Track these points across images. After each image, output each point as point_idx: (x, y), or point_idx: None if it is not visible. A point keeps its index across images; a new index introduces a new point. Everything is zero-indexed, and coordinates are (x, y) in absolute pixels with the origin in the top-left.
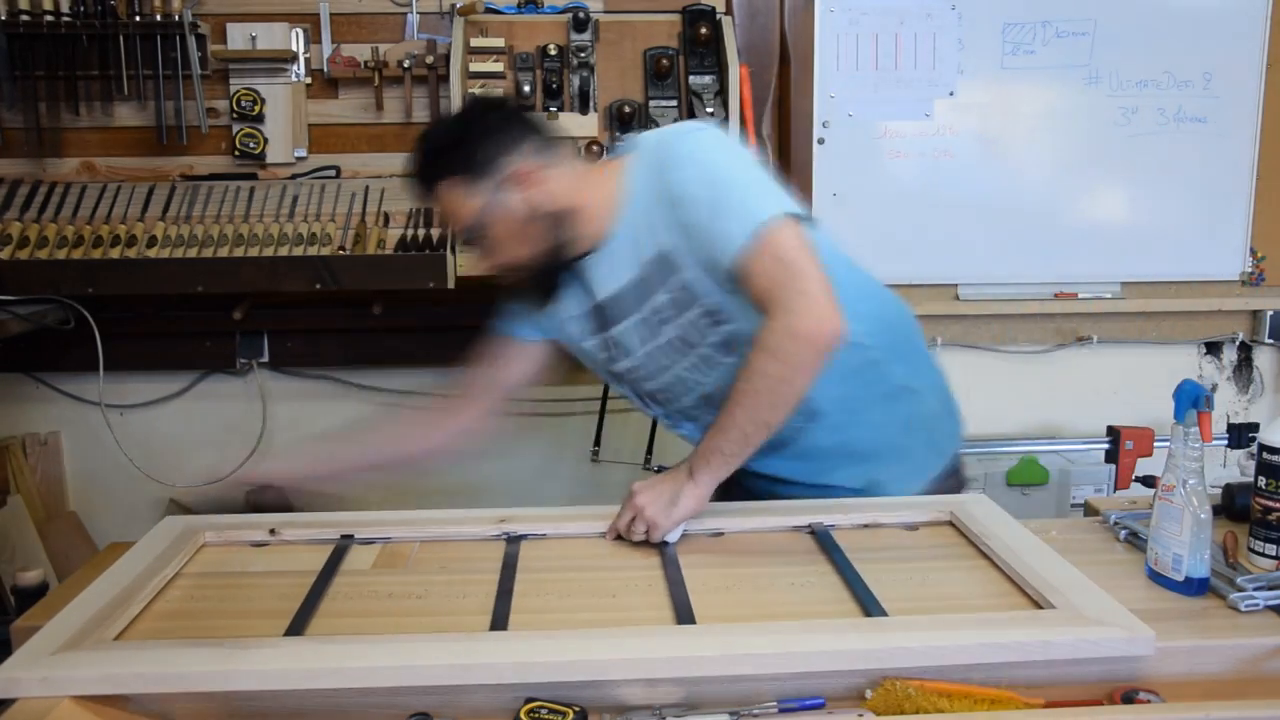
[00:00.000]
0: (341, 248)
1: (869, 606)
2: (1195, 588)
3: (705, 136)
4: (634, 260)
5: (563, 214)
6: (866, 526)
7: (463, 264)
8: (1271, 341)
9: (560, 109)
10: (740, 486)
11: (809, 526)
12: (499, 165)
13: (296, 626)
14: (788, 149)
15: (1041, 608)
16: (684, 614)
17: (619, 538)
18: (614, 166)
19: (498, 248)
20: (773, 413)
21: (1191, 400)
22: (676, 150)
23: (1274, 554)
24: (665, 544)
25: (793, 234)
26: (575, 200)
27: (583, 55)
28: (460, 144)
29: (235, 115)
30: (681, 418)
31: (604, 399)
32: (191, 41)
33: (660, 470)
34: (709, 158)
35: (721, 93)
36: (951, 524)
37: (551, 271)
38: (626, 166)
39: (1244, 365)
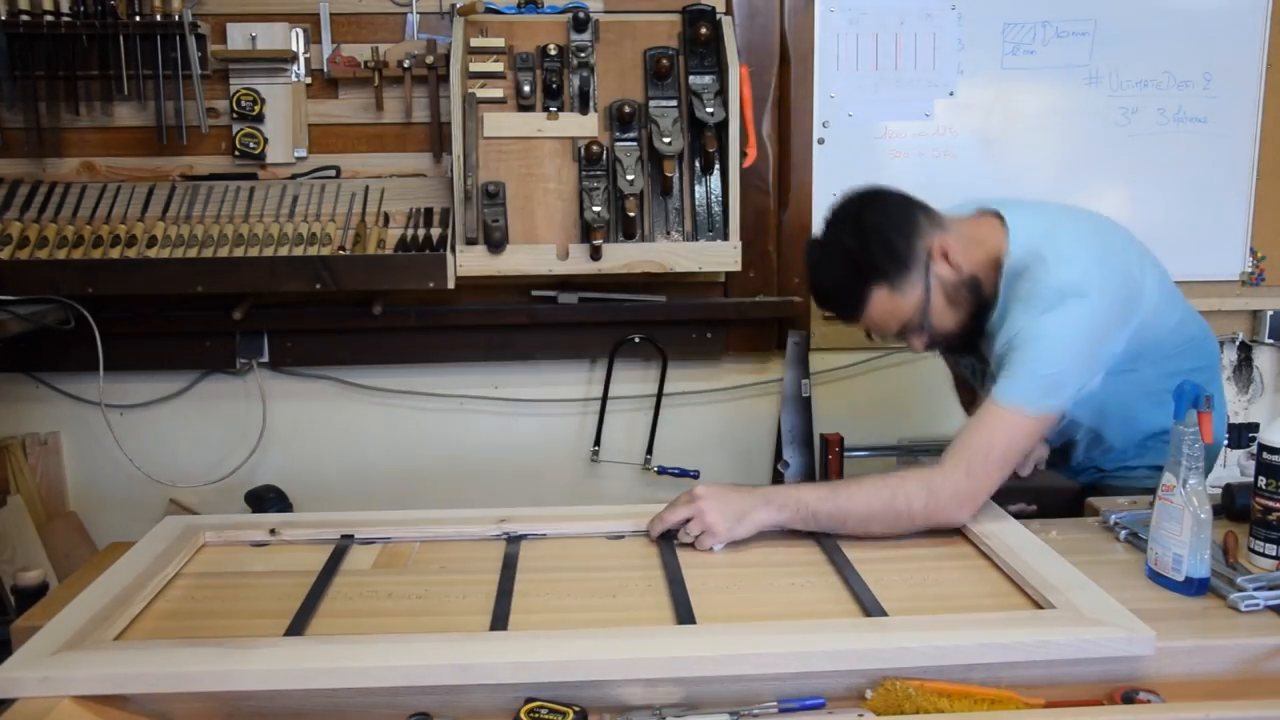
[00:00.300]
0: (341, 248)
1: (869, 606)
2: (1195, 588)
3: (1054, 319)
4: (992, 352)
5: (974, 280)
6: None
7: (463, 264)
8: (1271, 341)
9: (560, 109)
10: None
11: None
12: (916, 251)
13: (296, 626)
14: (788, 149)
15: (1042, 608)
16: (684, 614)
17: (665, 534)
18: (990, 238)
19: (935, 329)
20: (868, 528)
21: (1191, 400)
22: (1033, 304)
23: (1274, 554)
24: (704, 548)
25: (1024, 435)
26: (976, 265)
27: (583, 55)
28: (871, 253)
29: (235, 115)
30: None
31: (604, 399)
32: (191, 41)
33: (663, 472)
34: (1043, 332)
35: (721, 93)
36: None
37: (974, 333)
38: (1004, 255)
39: (1244, 365)
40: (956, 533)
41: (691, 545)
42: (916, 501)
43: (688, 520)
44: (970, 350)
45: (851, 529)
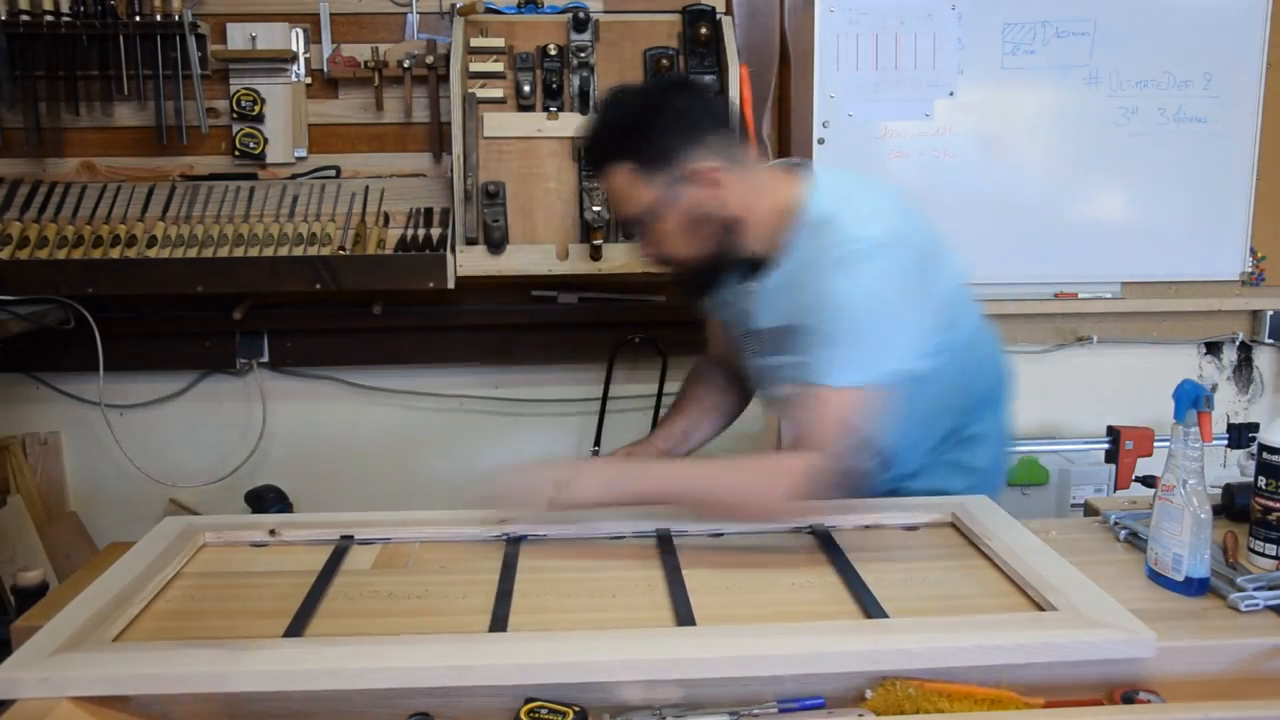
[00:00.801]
0: (341, 248)
1: (870, 608)
2: (1195, 588)
3: (861, 273)
4: (785, 309)
5: (733, 222)
6: (868, 528)
7: (463, 264)
8: (1271, 341)
9: (560, 109)
10: None
11: (809, 527)
12: (679, 158)
13: (296, 627)
14: (788, 149)
15: (1043, 609)
16: (684, 615)
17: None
18: (789, 192)
19: (661, 242)
20: (715, 514)
21: (1191, 400)
22: (834, 265)
23: (1274, 554)
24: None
25: (866, 410)
26: (748, 211)
27: (583, 55)
28: (642, 128)
29: (235, 115)
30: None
31: (604, 399)
32: (191, 41)
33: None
34: (849, 296)
35: (721, 93)
36: (952, 525)
37: (709, 275)
38: (796, 212)
39: (1244, 365)
40: (957, 533)
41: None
42: (775, 499)
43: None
44: (701, 291)
45: (696, 513)
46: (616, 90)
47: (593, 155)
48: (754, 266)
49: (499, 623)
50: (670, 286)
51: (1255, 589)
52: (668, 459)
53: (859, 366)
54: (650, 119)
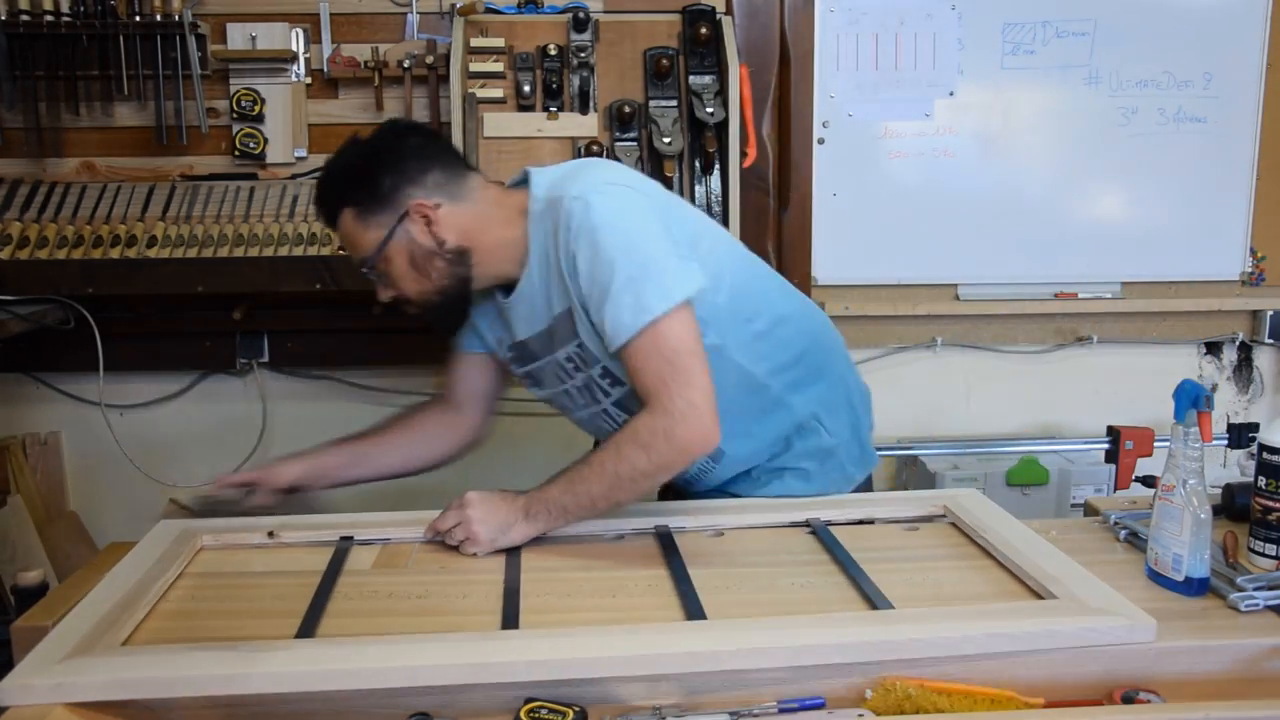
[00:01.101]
0: (341, 248)
1: (875, 600)
2: (1195, 588)
3: (599, 207)
4: (545, 310)
5: (464, 252)
6: (862, 522)
7: None
8: (1271, 341)
9: (560, 109)
10: None
11: (806, 523)
12: (399, 198)
13: (307, 628)
14: (788, 149)
15: (1043, 599)
16: (693, 610)
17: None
18: (516, 204)
19: (395, 282)
20: (627, 496)
21: (1191, 400)
22: (571, 217)
23: (1274, 554)
24: (468, 553)
25: (682, 330)
26: (478, 239)
27: (583, 55)
28: (362, 173)
29: (235, 115)
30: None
31: None
32: (191, 41)
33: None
34: (603, 237)
35: (721, 93)
36: (951, 524)
37: (452, 308)
38: (528, 210)
39: (1244, 365)
40: (954, 530)
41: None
42: (641, 461)
43: (456, 526)
44: (452, 326)
45: (605, 509)
46: (347, 140)
47: (320, 205)
48: (508, 289)
49: (510, 621)
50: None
51: (1255, 589)
52: (547, 486)
53: (646, 302)
54: (368, 164)
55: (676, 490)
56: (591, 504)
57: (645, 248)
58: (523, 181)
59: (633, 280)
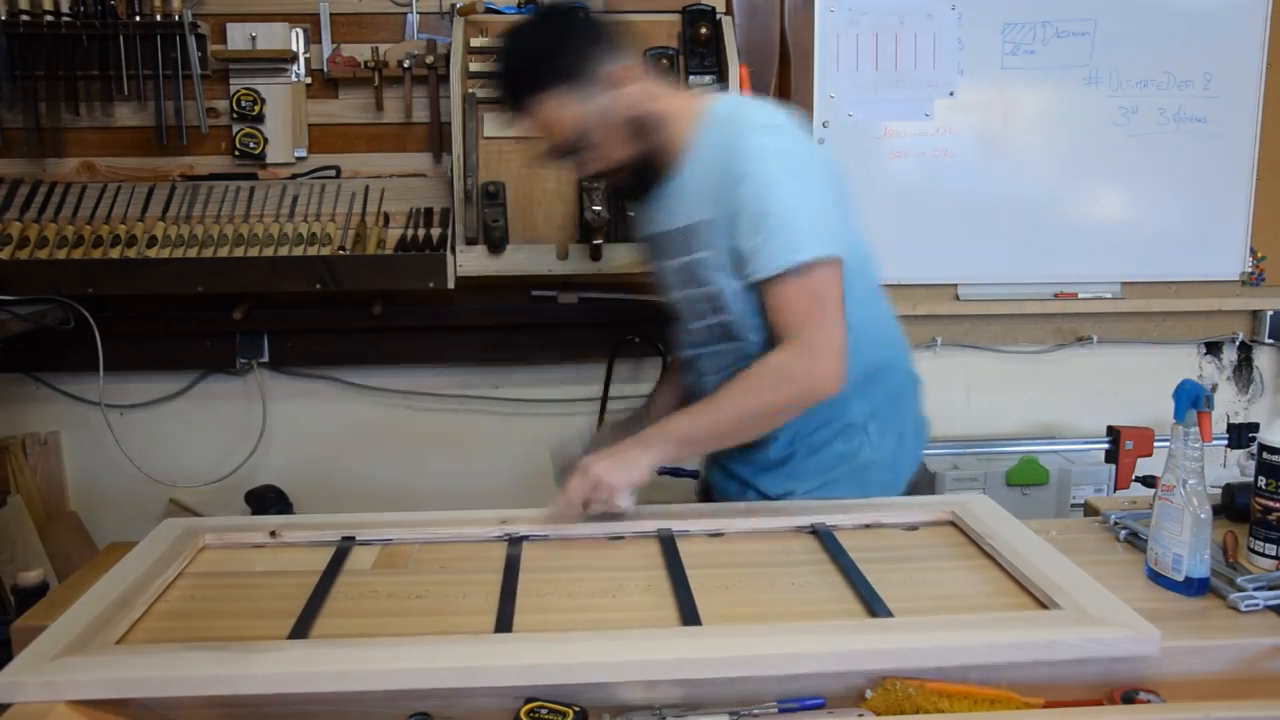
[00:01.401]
0: (341, 248)
1: (874, 607)
2: (1195, 588)
3: (777, 142)
4: (685, 210)
5: (655, 118)
6: (868, 526)
7: (463, 264)
8: (1271, 341)
9: None
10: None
11: (810, 527)
12: (599, 68)
13: (301, 629)
14: None
15: (1047, 608)
16: (689, 615)
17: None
18: (693, 99)
19: (600, 155)
20: (747, 433)
21: (1191, 400)
22: (747, 141)
23: (1274, 554)
24: (622, 515)
25: (833, 280)
26: (663, 107)
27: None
28: (555, 53)
29: (235, 115)
30: (701, 370)
31: (604, 399)
32: (191, 41)
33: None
34: (774, 167)
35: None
36: (954, 524)
37: (644, 175)
38: (705, 111)
39: (1244, 365)
40: (959, 533)
41: (609, 515)
42: (778, 397)
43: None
44: (638, 194)
45: (733, 441)
46: (512, 28)
47: (512, 93)
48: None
49: (504, 624)
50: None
51: (1255, 589)
52: (670, 418)
53: (802, 242)
54: (560, 42)
55: (720, 465)
56: (718, 436)
57: (813, 194)
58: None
59: (794, 218)
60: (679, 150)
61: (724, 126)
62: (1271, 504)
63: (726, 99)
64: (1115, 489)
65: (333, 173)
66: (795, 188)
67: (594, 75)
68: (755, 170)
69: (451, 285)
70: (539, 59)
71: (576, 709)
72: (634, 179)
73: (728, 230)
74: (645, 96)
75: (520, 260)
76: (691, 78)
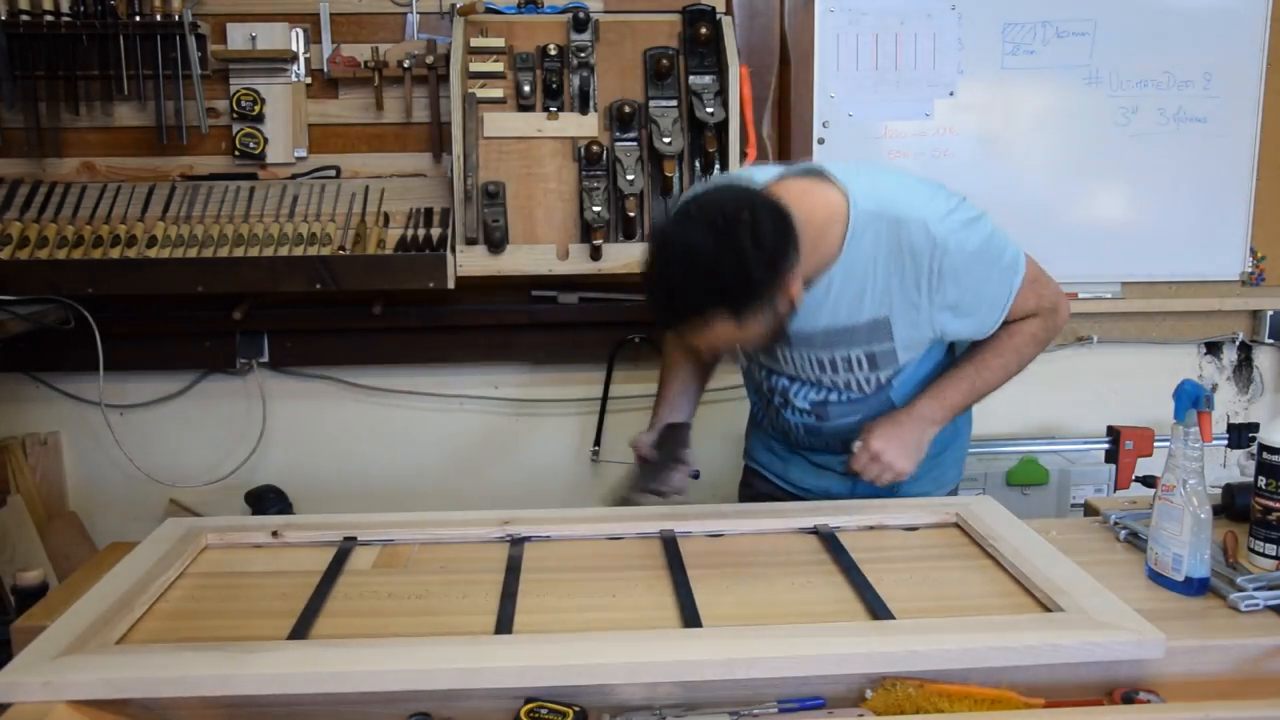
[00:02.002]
0: (341, 248)
1: (876, 609)
2: (1195, 588)
3: (963, 246)
4: (849, 310)
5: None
6: (872, 528)
7: (463, 264)
8: (1271, 341)
9: (560, 109)
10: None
11: (813, 528)
12: (774, 290)
13: (300, 629)
14: (788, 149)
15: (1050, 610)
16: (690, 616)
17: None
18: (831, 207)
19: (751, 347)
20: (1001, 384)
21: (1191, 400)
22: (936, 253)
23: (1274, 554)
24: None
25: (1032, 265)
26: (814, 249)
27: (583, 55)
28: (732, 278)
29: (235, 115)
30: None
31: (604, 399)
32: (191, 41)
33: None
34: (972, 270)
35: (721, 93)
36: (957, 526)
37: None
38: (850, 219)
39: (1244, 365)
40: (962, 534)
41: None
42: (1035, 351)
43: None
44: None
45: (978, 400)
46: (676, 236)
47: (679, 313)
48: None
49: (504, 625)
50: None
51: (1255, 589)
52: (937, 388)
53: (1014, 266)
54: (738, 267)
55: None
56: (973, 394)
57: (993, 243)
58: (812, 172)
59: (1003, 273)
60: (827, 263)
61: (869, 228)
62: (1271, 504)
63: (855, 190)
64: (1115, 489)
65: (333, 173)
66: (986, 269)
67: (767, 299)
68: (953, 283)
69: (451, 285)
70: (710, 285)
71: (576, 709)
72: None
73: (929, 319)
74: (794, 300)
75: (520, 260)
76: (691, 78)
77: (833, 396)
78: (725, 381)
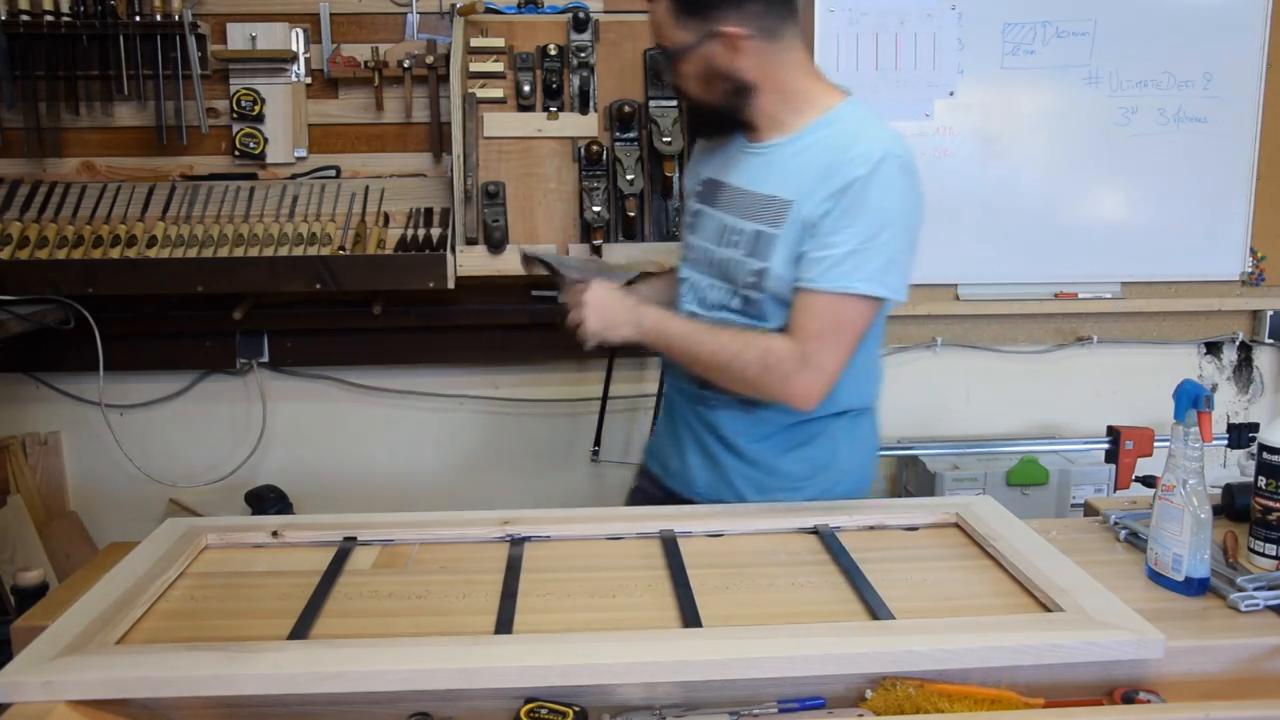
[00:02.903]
0: (341, 248)
1: (875, 609)
2: (1195, 588)
3: (894, 177)
4: (771, 182)
5: (748, 89)
6: (872, 528)
7: (463, 264)
8: (1271, 341)
9: (560, 109)
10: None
11: (813, 527)
12: (715, 15)
13: (300, 629)
14: None
15: (1049, 610)
16: (690, 616)
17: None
18: (820, 93)
19: (680, 79)
20: (714, 378)
21: (1191, 400)
22: (881, 169)
23: (1274, 554)
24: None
25: (863, 315)
26: (768, 85)
27: (583, 55)
28: None
29: (235, 115)
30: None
31: (604, 399)
32: (191, 41)
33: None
34: (877, 196)
35: None
36: (957, 526)
37: (719, 123)
38: (828, 110)
39: (1244, 365)
40: (962, 534)
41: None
42: (751, 370)
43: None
44: (704, 133)
45: (697, 371)
46: None
47: None
48: (755, 129)
49: (504, 625)
50: None
51: (1255, 589)
52: (672, 316)
53: (864, 273)
54: None
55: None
56: (691, 360)
57: (897, 235)
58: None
59: (866, 247)
60: (782, 126)
61: (847, 130)
62: (1271, 504)
63: (852, 104)
64: (1115, 489)
65: (333, 173)
66: (883, 220)
67: (704, 18)
68: (874, 199)
69: (451, 285)
70: None
71: (576, 709)
72: (705, 121)
73: (809, 225)
74: (736, 66)
75: (520, 260)
76: None
77: (709, 302)
78: None
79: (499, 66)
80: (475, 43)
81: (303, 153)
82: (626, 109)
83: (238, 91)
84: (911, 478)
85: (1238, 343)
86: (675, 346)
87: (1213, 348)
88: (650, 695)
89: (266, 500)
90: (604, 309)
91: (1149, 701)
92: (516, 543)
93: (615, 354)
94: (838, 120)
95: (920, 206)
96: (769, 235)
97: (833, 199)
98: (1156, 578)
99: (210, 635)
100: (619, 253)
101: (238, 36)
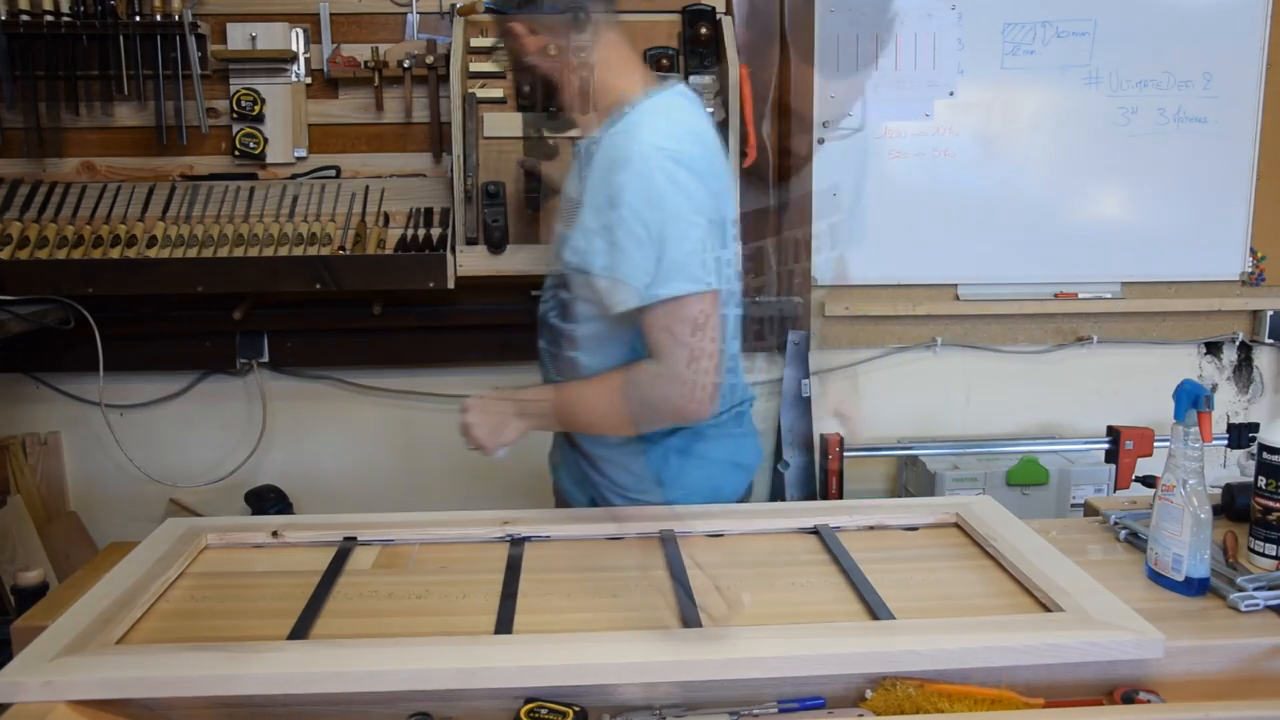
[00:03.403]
0: (341, 248)
1: (875, 609)
2: (1195, 588)
3: (653, 172)
4: (577, 182)
5: (547, 81)
6: (872, 528)
7: (463, 264)
8: (1271, 341)
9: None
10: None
11: (813, 527)
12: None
13: (300, 629)
14: (788, 149)
15: (1049, 610)
16: (689, 616)
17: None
18: (633, 89)
19: (512, 58)
20: (606, 431)
21: (1191, 400)
22: (626, 166)
23: (1274, 554)
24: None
25: (706, 308)
26: (569, 80)
27: (583, 55)
28: None
29: (235, 115)
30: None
31: None
32: (191, 41)
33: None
34: (644, 196)
35: (721, 93)
36: (957, 526)
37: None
38: (630, 104)
39: (1244, 365)
40: (962, 534)
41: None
42: (655, 412)
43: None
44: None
45: (590, 433)
46: None
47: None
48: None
49: (504, 625)
50: None
51: (1255, 589)
52: (547, 391)
53: (677, 276)
54: None
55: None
56: (572, 424)
57: (681, 228)
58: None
59: (662, 252)
60: (591, 124)
61: (627, 127)
62: (1271, 504)
63: (654, 100)
64: (1115, 489)
65: (333, 173)
66: (667, 215)
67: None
68: (627, 196)
69: (451, 285)
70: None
71: (576, 709)
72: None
73: (588, 246)
74: (533, 60)
75: (520, 260)
76: (692, 78)
77: (549, 305)
78: None
79: (499, 66)
80: (475, 43)
81: (303, 153)
82: None
83: (238, 91)
84: (911, 478)
85: (1238, 343)
86: (565, 421)
87: (1213, 348)
88: (650, 695)
89: (266, 500)
90: (485, 420)
91: (1149, 701)
92: (516, 543)
93: None
94: (628, 116)
95: (692, 181)
96: (564, 235)
97: (607, 213)
98: (1156, 578)
99: (210, 635)
100: None
101: (238, 36)
